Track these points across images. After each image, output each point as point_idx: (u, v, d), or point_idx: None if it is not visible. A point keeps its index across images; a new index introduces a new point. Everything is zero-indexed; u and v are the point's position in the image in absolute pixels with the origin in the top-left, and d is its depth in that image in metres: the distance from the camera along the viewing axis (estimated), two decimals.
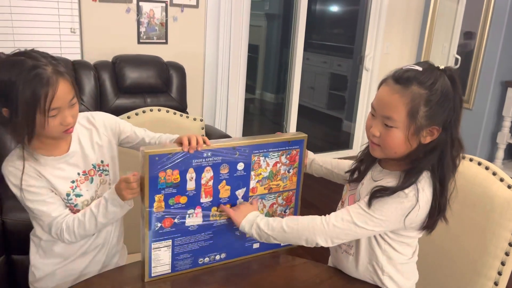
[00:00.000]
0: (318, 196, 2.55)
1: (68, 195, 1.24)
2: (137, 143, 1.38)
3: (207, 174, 1.18)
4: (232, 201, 1.25)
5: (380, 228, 1.12)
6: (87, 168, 1.28)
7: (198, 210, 1.20)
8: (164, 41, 3.23)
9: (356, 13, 4.86)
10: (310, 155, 1.46)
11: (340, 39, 5.73)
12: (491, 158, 4.05)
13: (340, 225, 1.12)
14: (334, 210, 1.19)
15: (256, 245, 1.35)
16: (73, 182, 1.25)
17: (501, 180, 1.28)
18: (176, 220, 1.18)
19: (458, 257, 1.36)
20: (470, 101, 4.03)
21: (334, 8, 5.78)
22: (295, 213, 1.40)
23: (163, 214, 1.15)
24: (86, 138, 1.29)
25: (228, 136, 3.02)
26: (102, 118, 1.34)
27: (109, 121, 1.35)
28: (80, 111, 1.24)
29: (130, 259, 1.42)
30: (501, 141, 3.98)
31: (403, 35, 4.35)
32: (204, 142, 1.15)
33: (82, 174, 1.27)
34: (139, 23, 3.11)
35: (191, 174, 1.15)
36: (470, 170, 1.34)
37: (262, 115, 5.70)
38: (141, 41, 3.15)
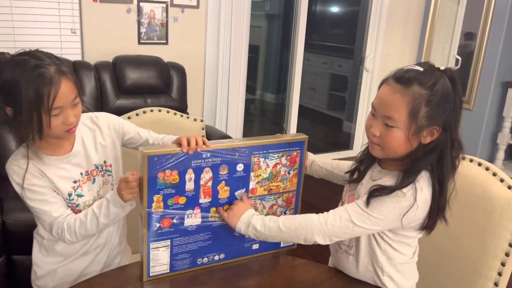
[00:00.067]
0: (318, 197, 2.55)
1: (70, 195, 1.25)
2: (140, 144, 1.39)
3: (206, 175, 1.18)
4: (231, 202, 1.25)
5: (377, 227, 1.13)
6: (90, 168, 1.29)
7: (197, 210, 1.20)
8: (165, 41, 3.23)
9: (357, 14, 4.86)
10: (310, 156, 1.46)
11: (341, 39, 5.73)
12: (491, 159, 4.05)
13: (338, 223, 1.12)
14: None
15: (255, 246, 1.35)
16: (75, 182, 1.26)
17: (501, 180, 1.28)
18: (174, 221, 1.18)
19: (458, 257, 1.36)
20: (470, 101, 4.03)
21: (335, 9, 5.78)
22: (295, 214, 1.40)
23: (162, 214, 1.15)
24: (90, 138, 1.30)
25: (229, 137, 3.02)
26: (106, 118, 1.35)
27: (113, 121, 1.36)
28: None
29: (134, 259, 1.42)
30: (501, 142, 3.98)
31: (403, 35, 4.35)
32: (204, 143, 1.15)
33: (85, 174, 1.28)
34: (139, 23, 3.12)
35: (190, 175, 1.15)
36: (470, 171, 1.35)
37: (262, 115, 5.70)
38: (141, 41, 3.15)
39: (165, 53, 3.13)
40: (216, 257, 1.29)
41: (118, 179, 1.34)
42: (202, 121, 1.81)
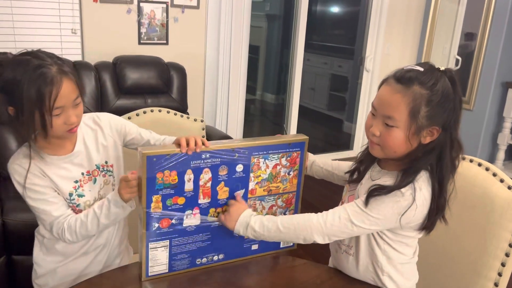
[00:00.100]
0: (318, 197, 2.56)
1: (70, 195, 1.25)
2: (142, 145, 1.38)
3: (206, 175, 1.17)
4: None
5: (376, 227, 1.13)
6: (91, 168, 1.29)
7: (196, 211, 1.20)
8: (165, 42, 3.23)
9: (357, 14, 4.86)
10: (311, 156, 1.46)
11: (341, 40, 5.73)
12: (491, 159, 4.05)
13: (337, 223, 1.12)
14: None
15: (254, 246, 1.34)
16: (76, 182, 1.26)
17: (501, 181, 1.28)
18: (173, 221, 1.18)
19: (458, 257, 1.36)
20: (470, 102, 4.03)
21: (335, 9, 5.78)
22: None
23: (161, 214, 1.15)
24: (91, 138, 1.30)
25: (229, 137, 3.03)
26: (108, 119, 1.35)
27: (115, 122, 1.36)
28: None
29: (135, 259, 1.42)
30: (501, 142, 3.98)
31: (403, 36, 4.35)
32: (203, 144, 1.15)
33: (86, 174, 1.28)
34: (139, 24, 3.12)
35: (189, 176, 1.15)
36: (471, 171, 1.35)
37: (262, 116, 5.70)
38: (141, 41, 3.16)
39: (166, 53, 3.14)
40: (215, 258, 1.29)
41: (119, 180, 1.35)
42: (202, 121, 1.81)
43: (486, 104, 3.94)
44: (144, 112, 1.69)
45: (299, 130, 4.20)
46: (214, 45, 3.37)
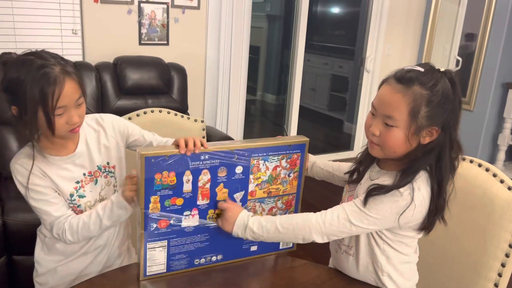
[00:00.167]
0: (319, 197, 2.55)
1: (71, 195, 1.25)
2: (144, 147, 1.39)
3: (204, 176, 1.17)
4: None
5: (375, 227, 1.13)
6: (93, 169, 1.29)
7: (195, 212, 1.20)
8: (165, 42, 3.23)
9: (357, 15, 4.86)
10: (311, 158, 1.45)
11: (341, 40, 5.74)
12: (492, 160, 4.05)
13: (336, 223, 1.12)
14: None
15: (253, 248, 1.34)
16: (77, 182, 1.26)
17: (502, 181, 1.28)
18: (172, 222, 1.17)
19: (458, 258, 1.36)
20: (471, 102, 4.03)
21: (335, 10, 5.79)
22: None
23: (159, 215, 1.15)
24: (93, 139, 1.30)
25: (229, 137, 3.03)
26: (111, 120, 1.36)
27: (118, 123, 1.36)
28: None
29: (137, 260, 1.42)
30: (502, 143, 3.98)
31: (404, 36, 4.36)
32: (202, 145, 1.14)
33: (88, 175, 1.28)
34: (140, 24, 3.12)
35: (187, 177, 1.14)
36: (471, 172, 1.35)
37: (263, 116, 5.70)
38: (142, 42, 3.16)
39: (166, 54, 3.14)
40: (214, 258, 1.29)
41: (121, 181, 1.36)
42: (202, 122, 1.81)
43: (486, 105, 3.94)
44: (145, 113, 1.69)
45: (299, 131, 4.20)
46: (214, 46, 3.37)
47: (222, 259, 1.30)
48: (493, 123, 4.02)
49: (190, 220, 1.20)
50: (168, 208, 1.15)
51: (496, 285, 1.27)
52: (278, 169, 1.27)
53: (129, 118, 1.63)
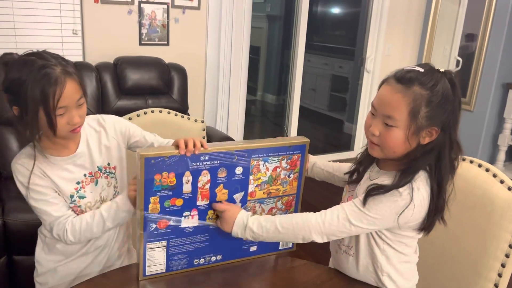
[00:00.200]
0: (319, 198, 2.55)
1: (71, 196, 1.25)
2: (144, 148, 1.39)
3: (204, 177, 1.16)
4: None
5: (374, 227, 1.13)
6: (94, 169, 1.30)
7: (194, 212, 1.20)
8: (166, 42, 3.24)
9: (357, 15, 4.86)
10: (311, 158, 1.45)
11: (341, 41, 5.74)
12: (492, 160, 4.05)
13: (336, 223, 1.13)
14: None
15: (253, 248, 1.34)
16: (78, 183, 1.27)
17: (502, 182, 1.28)
18: (171, 222, 1.17)
19: (458, 258, 1.36)
20: (471, 103, 4.03)
21: (336, 10, 5.79)
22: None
23: (158, 215, 1.15)
24: (94, 140, 1.31)
25: (229, 138, 3.03)
26: (112, 121, 1.36)
27: (120, 124, 1.36)
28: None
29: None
30: (502, 143, 3.98)
31: (404, 37, 4.36)
32: (202, 146, 1.14)
33: (89, 176, 1.28)
34: (140, 24, 3.12)
35: (187, 177, 1.14)
36: (471, 172, 1.35)
37: (263, 116, 5.71)
38: (142, 42, 3.16)
39: (166, 54, 3.14)
40: (213, 258, 1.28)
41: (122, 182, 1.36)
42: (202, 122, 1.81)
43: (486, 105, 3.94)
44: (145, 113, 1.69)
45: (299, 131, 4.20)
46: (215, 46, 3.37)
47: (222, 259, 1.30)
48: (493, 124, 4.02)
49: (190, 221, 1.20)
50: (168, 209, 1.15)
51: (496, 285, 1.27)
52: (278, 170, 1.27)
53: (129, 118, 1.63)
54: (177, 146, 1.13)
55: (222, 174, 1.19)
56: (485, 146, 4.06)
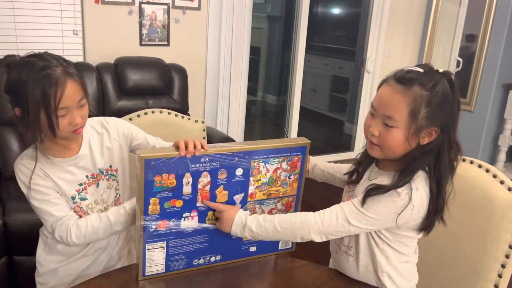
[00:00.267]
0: (319, 199, 2.55)
1: (73, 198, 1.26)
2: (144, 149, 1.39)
3: (204, 179, 1.16)
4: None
5: (373, 227, 1.13)
6: (96, 172, 1.30)
7: (194, 213, 1.20)
8: (166, 43, 3.24)
9: (358, 16, 4.87)
10: (312, 160, 1.45)
11: (342, 41, 5.74)
12: (492, 161, 4.05)
13: (334, 223, 1.13)
14: None
15: (253, 248, 1.34)
16: (80, 185, 1.27)
17: (502, 182, 1.28)
18: (171, 223, 1.17)
19: (458, 259, 1.36)
20: (471, 103, 4.03)
21: (336, 11, 5.79)
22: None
23: (158, 216, 1.15)
24: (97, 142, 1.31)
25: (230, 138, 3.03)
26: (115, 123, 1.36)
27: (122, 126, 1.37)
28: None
29: None
30: (502, 144, 3.98)
31: (404, 37, 4.36)
32: (202, 147, 1.14)
33: (91, 177, 1.29)
34: (141, 25, 3.12)
35: (187, 179, 1.14)
36: (471, 173, 1.35)
37: (263, 117, 5.71)
38: (143, 43, 3.16)
39: (167, 55, 3.14)
40: (213, 259, 1.29)
41: (123, 184, 1.37)
42: (203, 122, 1.81)
43: (487, 106, 3.94)
44: (145, 113, 1.69)
45: (300, 132, 4.20)
46: (215, 46, 3.37)
47: (221, 259, 1.30)
48: (493, 124, 4.02)
49: (190, 222, 1.20)
50: (168, 210, 1.15)
51: (496, 286, 1.27)
52: (279, 171, 1.27)
53: (130, 119, 1.63)
54: (177, 147, 1.12)
55: (222, 175, 1.19)
56: (486, 146, 4.06)
